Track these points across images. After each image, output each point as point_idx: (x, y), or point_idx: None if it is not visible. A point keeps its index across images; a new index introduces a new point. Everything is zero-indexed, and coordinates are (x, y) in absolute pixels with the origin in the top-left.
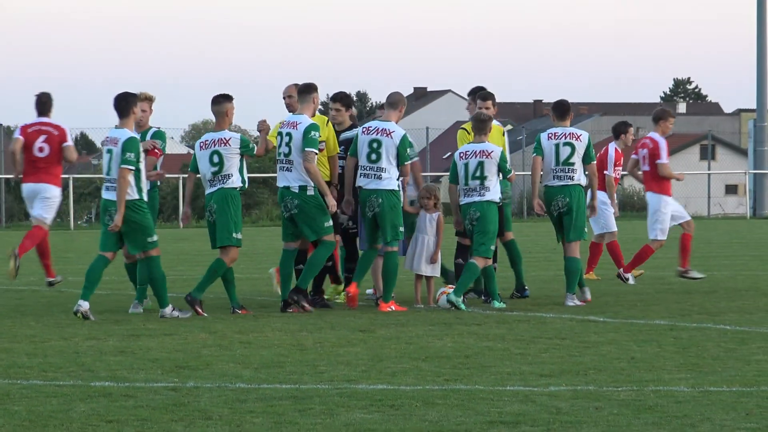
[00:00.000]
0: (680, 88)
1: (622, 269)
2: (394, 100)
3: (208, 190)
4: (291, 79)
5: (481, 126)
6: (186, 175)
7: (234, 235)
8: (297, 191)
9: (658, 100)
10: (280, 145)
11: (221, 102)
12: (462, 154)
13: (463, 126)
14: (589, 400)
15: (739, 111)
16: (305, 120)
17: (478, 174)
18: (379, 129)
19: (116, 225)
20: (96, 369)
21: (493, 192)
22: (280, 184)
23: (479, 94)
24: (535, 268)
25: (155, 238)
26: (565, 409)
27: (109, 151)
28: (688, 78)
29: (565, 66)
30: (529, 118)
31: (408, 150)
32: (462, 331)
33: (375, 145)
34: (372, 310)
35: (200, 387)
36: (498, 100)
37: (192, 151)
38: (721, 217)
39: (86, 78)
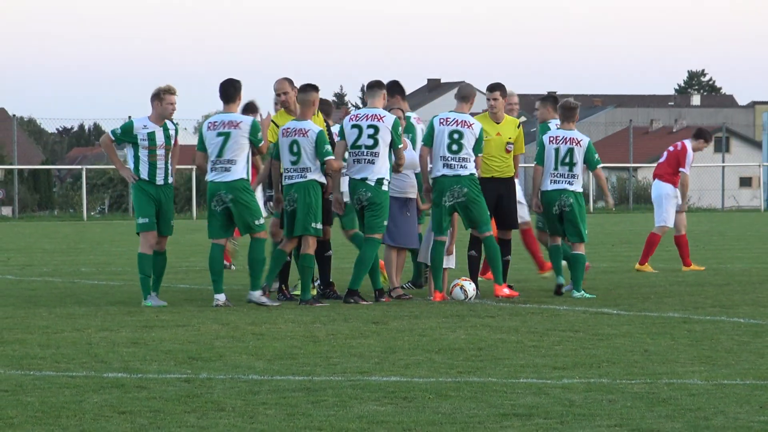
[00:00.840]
0: (694, 80)
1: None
2: (466, 93)
3: (288, 181)
4: (301, 72)
5: (569, 114)
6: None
7: (313, 225)
8: (373, 184)
9: (672, 92)
10: (359, 137)
11: (308, 91)
12: (552, 138)
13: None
14: (603, 393)
15: (754, 103)
16: (389, 114)
17: (567, 160)
18: (459, 121)
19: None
20: (109, 360)
21: (580, 180)
22: (356, 175)
23: (488, 86)
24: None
25: (262, 220)
26: (579, 402)
27: (221, 134)
28: (702, 70)
29: (579, 58)
30: None
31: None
32: (475, 324)
33: (456, 136)
34: (384, 302)
35: (213, 378)
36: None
37: None
38: (735, 209)
39: (99, 70)
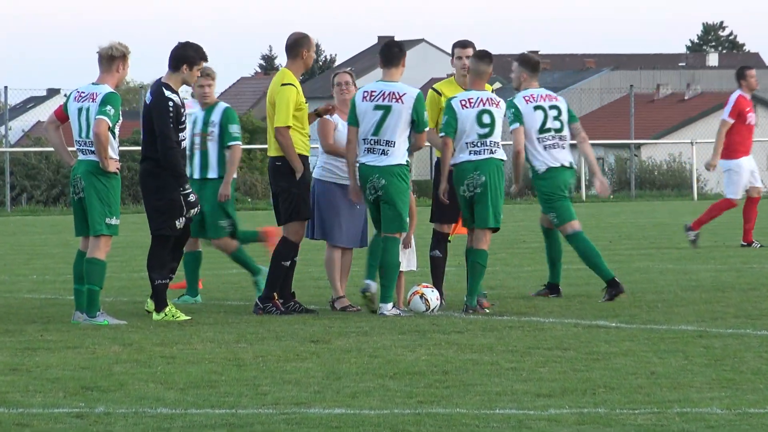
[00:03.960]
0: (711, 35)
1: None
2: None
3: (470, 157)
4: (219, 29)
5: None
6: None
7: (499, 216)
8: (573, 168)
9: (683, 50)
10: (546, 119)
11: (485, 60)
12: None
13: (434, 87)
14: (599, 426)
15: None
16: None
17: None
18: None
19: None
20: None
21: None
22: (556, 163)
23: (458, 42)
24: (531, 262)
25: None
26: None
27: (383, 108)
28: (721, 23)
29: (565, 9)
30: None
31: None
32: (439, 341)
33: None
34: (327, 315)
35: (112, 413)
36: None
37: None
38: (763, 195)
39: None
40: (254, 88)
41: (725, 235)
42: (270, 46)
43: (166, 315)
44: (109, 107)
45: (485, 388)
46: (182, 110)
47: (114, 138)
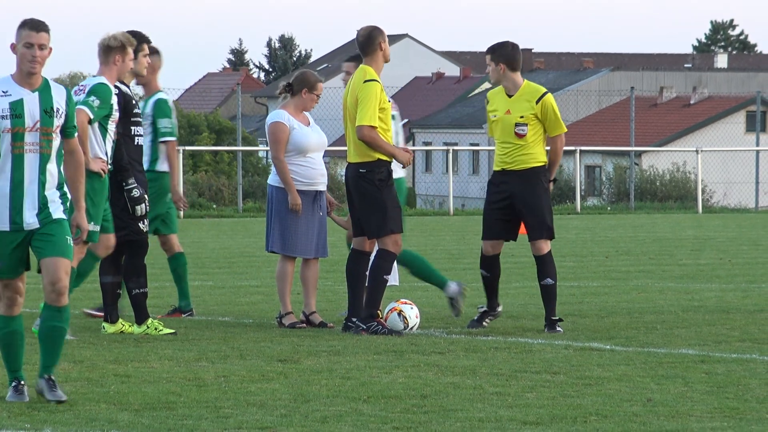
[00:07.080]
0: (720, 34)
1: None
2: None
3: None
4: (188, 24)
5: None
6: None
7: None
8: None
9: (689, 50)
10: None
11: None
12: None
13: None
14: None
15: None
16: None
17: None
18: None
19: None
20: None
21: None
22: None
23: (489, 47)
24: (519, 277)
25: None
26: None
27: None
28: (731, 21)
29: (561, 4)
30: None
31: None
32: (418, 362)
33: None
34: (296, 333)
35: None
36: (471, 49)
37: None
38: None
39: None
40: (222, 84)
41: (731, 251)
42: (240, 39)
43: (148, 328)
44: (93, 98)
45: (467, 414)
46: (133, 101)
47: (105, 135)
